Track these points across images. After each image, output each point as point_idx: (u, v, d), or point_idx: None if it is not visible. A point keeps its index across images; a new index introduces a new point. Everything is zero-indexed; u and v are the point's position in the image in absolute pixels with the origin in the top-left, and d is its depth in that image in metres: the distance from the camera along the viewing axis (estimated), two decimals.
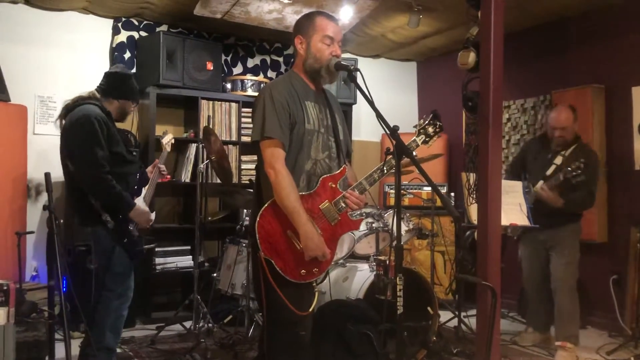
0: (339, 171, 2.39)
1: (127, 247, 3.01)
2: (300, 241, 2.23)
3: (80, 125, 2.92)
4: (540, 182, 3.89)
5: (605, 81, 4.75)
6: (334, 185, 2.35)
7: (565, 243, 3.94)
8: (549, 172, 3.93)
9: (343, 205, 2.33)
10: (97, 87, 3.16)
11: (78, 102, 3.04)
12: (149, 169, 3.44)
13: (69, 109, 3.03)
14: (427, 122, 2.47)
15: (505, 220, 3.60)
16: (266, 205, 2.26)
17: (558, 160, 3.93)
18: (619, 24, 4.68)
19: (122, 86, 3.17)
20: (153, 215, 3.33)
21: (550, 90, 5.09)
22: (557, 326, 3.94)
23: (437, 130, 2.47)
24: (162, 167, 3.46)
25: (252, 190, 4.24)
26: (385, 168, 2.36)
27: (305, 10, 2.59)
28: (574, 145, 3.93)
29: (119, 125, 3.20)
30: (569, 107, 3.99)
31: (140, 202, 3.14)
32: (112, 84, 3.15)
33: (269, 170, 2.24)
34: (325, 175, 2.35)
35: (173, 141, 3.84)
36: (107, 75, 3.20)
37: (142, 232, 3.12)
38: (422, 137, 2.47)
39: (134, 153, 3.28)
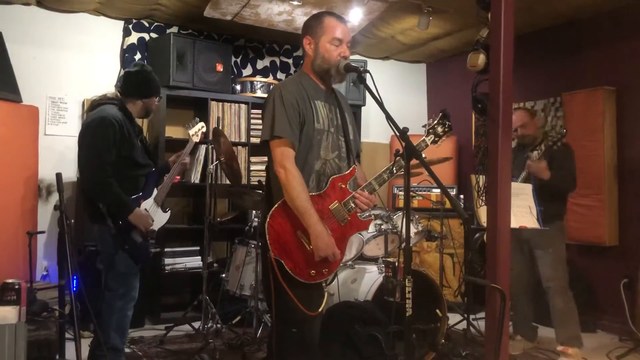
0: (348, 171, 2.39)
1: (129, 253, 3.01)
2: (310, 241, 2.23)
3: (91, 127, 2.96)
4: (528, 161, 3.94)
5: (616, 83, 4.72)
6: (343, 186, 2.35)
7: (550, 242, 3.92)
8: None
9: (352, 205, 2.33)
10: (119, 88, 3.17)
11: (101, 101, 3.07)
12: (172, 158, 3.43)
13: (92, 107, 3.06)
14: (436, 121, 2.46)
15: (514, 223, 3.58)
16: (276, 205, 2.26)
17: (534, 154, 3.97)
18: (630, 26, 4.65)
19: (143, 85, 3.16)
20: (167, 215, 3.32)
21: (561, 92, 5.06)
22: (556, 329, 3.93)
23: (446, 130, 2.45)
24: (187, 159, 3.41)
25: (261, 192, 4.27)
26: (394, 168, 2.36)
27: (315, 12, 2.59)
28: (546, 141, 4.01)
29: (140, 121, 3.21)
30: (522, 108, 4.39)
31: (148, 203, 3.15)
32: (132, 84, 3.14)
33: (279, 170, 2.24)
34: (334, 176, 2.35)
35: (204, 130, 3.74)
36: (126, 75, 3.19)
37: (148, 235, 3.12)
38: (432, 137, 2.46)
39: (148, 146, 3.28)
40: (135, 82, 3.15)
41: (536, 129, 4.11)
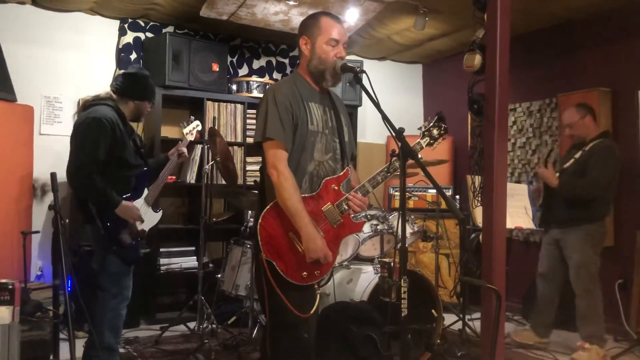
0: (342, 173, 2.39)
1: (118, 254, 3.00)
2: (302, 243, 2.22)
3: (82, 128, 2.95)
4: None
5: (611, 84, 4.73)
6: (336, 188, 2.34)
7: (574, 246, 3.94)
8: (567, 164, 4.05)
9: (346, 207, 2.32)
10: (114, 87, 3.16)
11: (93, 101, 3.06)
12: (171, 151, 3.42)
13: (84, 108, 3.05)
14: (431, 124, 2.46)
15: (510, 223, 3.60)
16: (268, 206, 2.26)
17: (578, 154, 4.03)
18: (626, 27, 4.66)
19: (138, 87, 3.15)
20: (159, 216, 3.31)
21: (556, 93, 5.07)
22: (578, 326, 4.02)
23: (441, 132, 2.45)
24: (184, 149, 3.41)
25: (256, 192, 4.26)
26: (388, 171, 2.35)
27: (311, 12, 2.58)
28: (596, 141, 4.00)
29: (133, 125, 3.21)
30: (578, 105, 4.13)
31: (139, 203, 3.13)
32: (128, 85, 3.13)
33: (272, 171, 2.24)
34: (328, 177, 2.34)
35: (200, 128, 3.74)
36: (124, 76, 3.19)
37: (138, 235, 3.10)
38: (427, 139, 2.46)
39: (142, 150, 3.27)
40: (130, 83, 3.15)
41: (585, 129, 4.04)
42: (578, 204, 3.91)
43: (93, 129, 2.90)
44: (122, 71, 3.28)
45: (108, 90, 3.15)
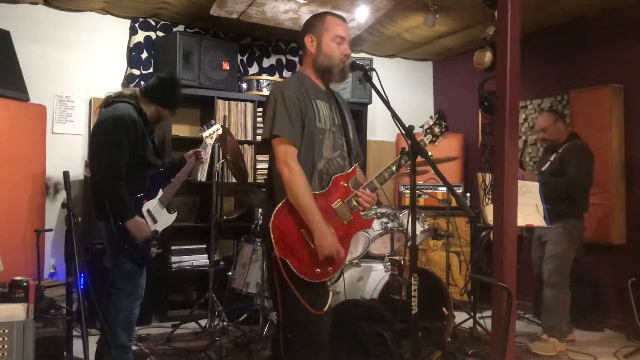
0: (350, 170, 2.40)
1: (129, 253, 3.00)
2: (314, 240, 2.23)
3: (106, 126, 2.94)
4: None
5: (624, 81, 4.69)
6: (345, 184, 2.35)
7: (553, 239, 4.08)
8: (544, 168, 4.27)
9: (355, 203, 2.33)
10: (144, 86, 3.16)
11: (116, 98, 3.06)
12: (190, 152, 3.41)
13: (106, 104, 3.05)
14: (433, 122, 2.49)
15: (521, 221, 3.59)
16: (280, 204, 2.26)
17: (552, 157, 4.24)
18: (638, 23, 4.61)
19: (163, 92, 3.16)
20: (173, 217, 3.30)
21: (568, 90, 5.03)
22: (542, 317, 4.16)
23: (442, 130, 2.48)
24: (201, 150, 3.39)
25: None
26: (394, 167, 2.36)
27: (321, 10, 2.60)
28: (568, 143, 4.19)
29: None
30: (548, 110, 4.48)
31: (152, 204, 3.13)
32: (155, 88, 3.14)
33: (283, 168, 2.24)
34: (337, 174, 2.35)
35: (220, 132, 3.67)
36: (155, 78, 3.20)
37: (152, 235, 3.10)
38: (429, 136, 2.49)
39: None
40: (157, 86, 3.14)
41: (557, 133, 4.24)
42: (557, 201, 4.04)
43: (115, 127, 2.90)
44: (156, 74, 3.27)
45: (135, 88, 3.16)
